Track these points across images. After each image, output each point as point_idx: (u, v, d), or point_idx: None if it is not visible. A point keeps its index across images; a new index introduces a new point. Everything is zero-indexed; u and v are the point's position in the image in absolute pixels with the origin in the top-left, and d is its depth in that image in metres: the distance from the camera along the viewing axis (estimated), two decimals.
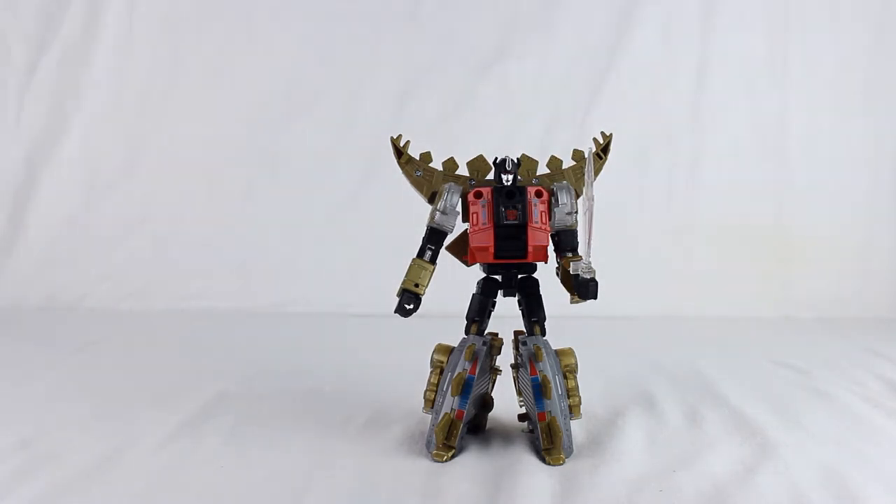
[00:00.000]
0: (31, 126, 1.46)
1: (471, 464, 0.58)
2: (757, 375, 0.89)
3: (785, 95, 1.45)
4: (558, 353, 0.61)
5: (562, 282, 0.60)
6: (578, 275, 0.56)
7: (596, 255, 0.56)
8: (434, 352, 0.62)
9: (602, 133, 0.64)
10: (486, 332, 0.62)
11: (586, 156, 0.59)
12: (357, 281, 1.35)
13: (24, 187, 1.46)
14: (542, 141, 1.40)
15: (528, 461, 0.58)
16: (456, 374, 0.59)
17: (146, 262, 1.43)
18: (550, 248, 0.60)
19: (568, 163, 0.63)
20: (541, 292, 0.61)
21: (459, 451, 0.60)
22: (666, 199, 1.45)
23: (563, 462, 0.58)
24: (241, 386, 0.81)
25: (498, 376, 0.66)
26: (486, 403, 0.65)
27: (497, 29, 1.44)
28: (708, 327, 1.27)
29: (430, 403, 0.60)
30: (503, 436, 0.65)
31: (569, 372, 0.60)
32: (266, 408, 0.73)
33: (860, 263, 1.43)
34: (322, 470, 0.57)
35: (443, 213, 0.60)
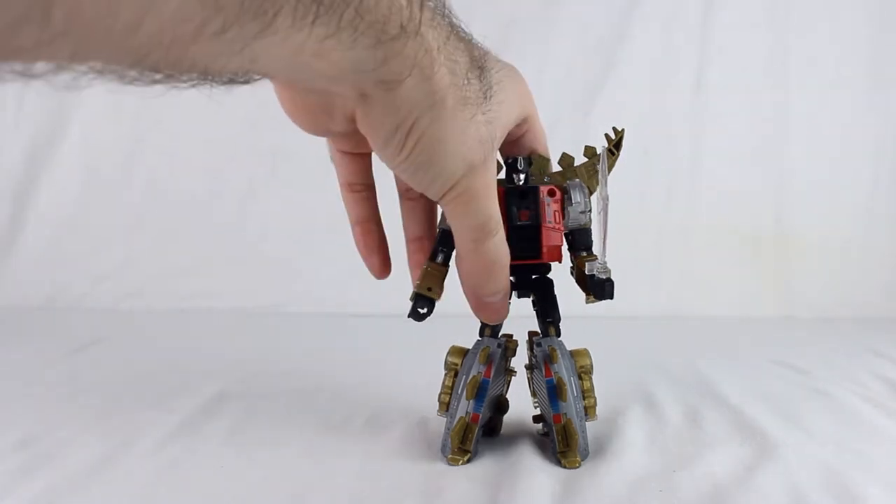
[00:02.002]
0: (31, 126, 1.47)
1: (471, 464, 0.58)
2: (757, 375, 0.89)
3: (785, 95, 1.45)
4: (573, 354, 0.60)
5: (577, 281, 0.59)
6: (594, 275, 0.55)
7: (612, 253, 0.56)
8: (448, 354, 0.61)
9: (614, 129, 0.62)
10: (500, 333, 0.62)
11: (599, 152, 0.58)
12: (357, 281, 1.35)
13: (24, 187, 1.46)
14: None
15: (528, 461, 0.58)
16: (471, 377, 0.58)
17: (146, 262, 1.43)
18: (565, 247, 0.59)
19: (580, 159, 0.62)
20: (555, 293, 0.60)
21: (475, 454, 0.59)
22: (666, 199, 1.45)
23: (579, 465, 0.57)
24: (241, 386, 0.81)
25: (513, 378, 0.65)
26: (500, 406, 0.65)
27: (497, 29, 1.44)
28: (708, 327, 1.27)
29: (445, 406, 0.60)
30: (504, 436, 0.65)
31: (584, 373, 0.60)
32: (266, 408, 0.73)
33: (860, 263, 1.43)
34: (322, 470, 0.57)
35: None
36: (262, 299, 1.38)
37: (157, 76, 0.31)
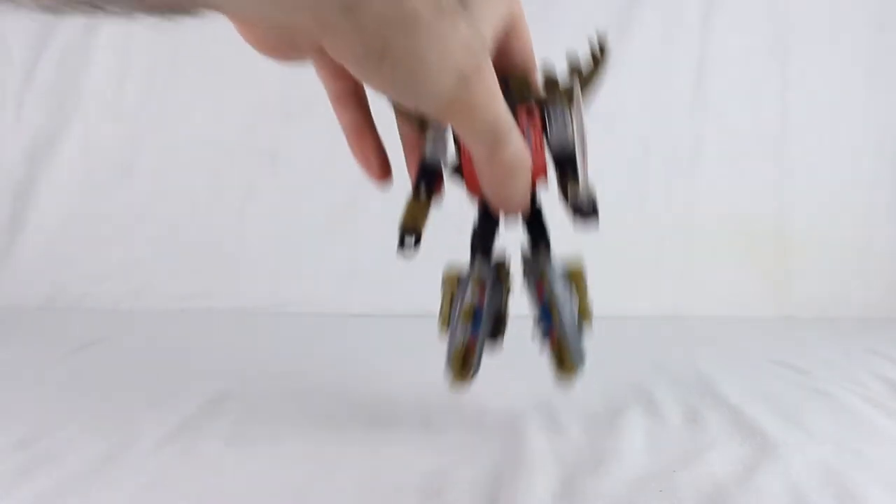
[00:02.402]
0: (31, 126, 1.47)
1: (471, 463, 0.58)
2: (757, 375, 0.89)
3: (786, 93, 1.45)
4: (567, 267, 0.59)
5: (565, 207, 0.58)
6: (577, 204, 0.55)
7: (593, 179, 0.55)
8: (444, 276, 0.61)
9: (597, 34, 0.57)
10: (492, 259, 0.60)
11: (580, 68, 0.55)
12: (357, 281, 1.36)
13: (24, 187, 1.46)
14: None
15: (528, 460, 0.58)
16: (466, 304, 0.58)
17: (146, 262, 1.43)
18: (551, 171, 0.57)
19: (564, 73, 0.58)
20: (543, 211, 0.59)
21: (478, 369, 0.60)
22: (666, 199, 1.45)
23: (576, 374, 0.58)
24: (241, 386, 0.81)
25: (511, 292, 0.63)
26: (501, 317, 0.64)
27: None
28: (708, 327, 1.27)
29: (445, 327, 0.60)
30: (504, 434, 0.65)
31: (578, 282, 0.59)
32: (266, 408, 0.73)
33: (861, 263, 1.43)
34: (322, 470, 0.57)
35: (433, 142, 0.57)
36: (262, 299, 1.38)
37: (83, 4, 0.28)
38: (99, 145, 1.47)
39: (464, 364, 0.58)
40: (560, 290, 0.58)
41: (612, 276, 1.51)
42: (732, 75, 1.45)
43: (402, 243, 0.57)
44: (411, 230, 0.57)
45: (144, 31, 1.46)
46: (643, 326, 1.26)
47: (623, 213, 1.39)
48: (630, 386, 0.81)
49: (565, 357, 0.58)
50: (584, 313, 0.59)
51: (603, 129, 1.42)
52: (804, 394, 0.80)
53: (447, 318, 0.60)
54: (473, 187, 0.57)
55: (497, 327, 0.64)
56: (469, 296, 0.58)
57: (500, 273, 0.61)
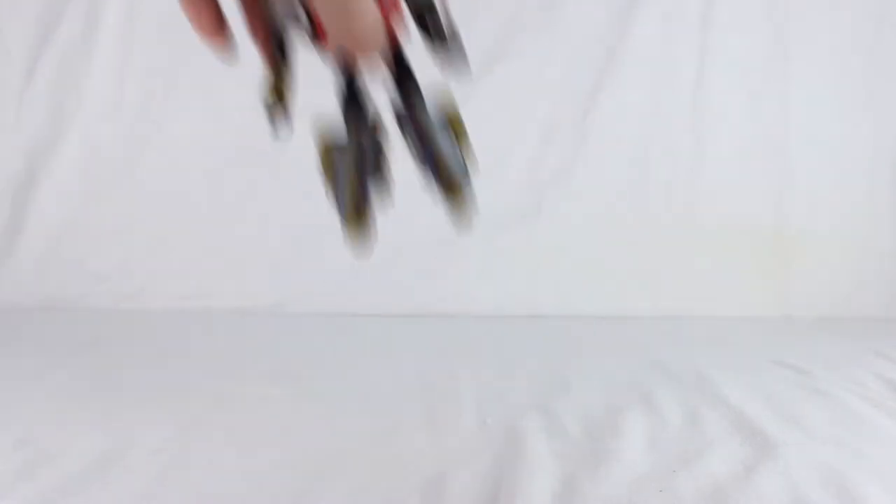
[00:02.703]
0: (31, 126, 1.47)
1: (471, 463, 0.58)
2: (757, 375, 0.89)
3: (786, 93, 1.45)
4: (445, 114, 0.52)
5: (429, 52, 0.50)
6: (440, 44, 0.48)
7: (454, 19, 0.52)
8: (320, 147, 0.52)
9: None
10: (366, 120, 0.53)
11: None
12: (357, 281, 1.35)
13: (23, 187, 1.46)
14: (543, 142, 1.40)
15: (528, 460, 0.58)
16: (348, 183, 0.54)
17: (146, 262, 1.43)
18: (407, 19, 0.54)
19: None
20: (408, 59, 0.51)
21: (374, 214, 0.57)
22: (666, 199, 1.45)
23: (464, 191, 0.50)
24: (241, 386, 0.81)
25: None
26: (381, 158, 0.54)
27: (497, 29, 1.44)
28: (708, 327, 1.27)
29: (332, 198, 0.55)
30: (502, 434, 0.65)
31: (457, 127, 0.52)
32: (266, 408, 0.73)
33: (861, 263, 1.43)
34: (322, 470, 0.57)
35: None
36: (262, 299, 1.38)
37: None
38: (99, 145, 1.47)
39: (359, 212, 0.54)
40: (442, 139, 0.51)
41: (612, 276, 1.52)
42: (732, 75, 1.45)
43: (272, 122, 0.53)
44: (277, 105, 0.53)
45: (144, 30, 1.46)
46: (643, 326, 1.26)
47: (623, 213, 1.39)
48: (630, 386, 0.81)
49: (451, 178, 0.51)
50: (467, 158, 0.52)
51: (603, 128, 1.43)
52: (804, 394, 0.80)
53: (333, 190, 0.54)
54: (327, 42, 0.48)
55: (379, 166, 0.54)
56: (350, 167, 0.51)
57: (376, 133, 0.52)
